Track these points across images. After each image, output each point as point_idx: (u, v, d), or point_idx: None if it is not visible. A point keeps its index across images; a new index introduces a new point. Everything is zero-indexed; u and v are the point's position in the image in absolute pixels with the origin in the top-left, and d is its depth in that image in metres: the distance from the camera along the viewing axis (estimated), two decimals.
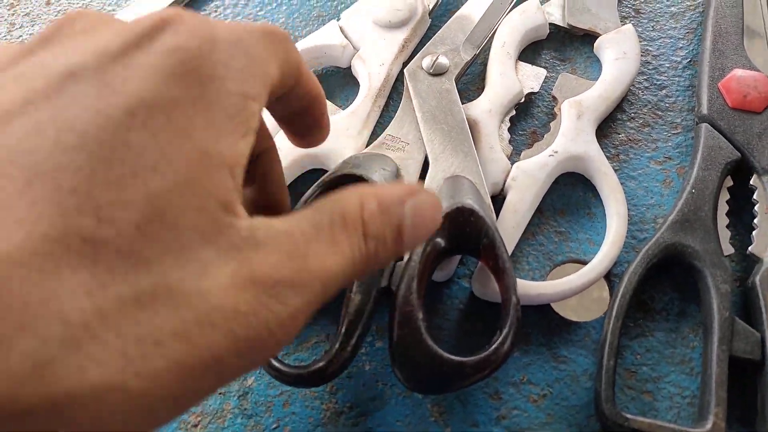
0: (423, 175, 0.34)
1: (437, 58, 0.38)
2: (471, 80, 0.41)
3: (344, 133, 0.37)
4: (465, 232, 0.30)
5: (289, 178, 0.37)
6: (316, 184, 0.33)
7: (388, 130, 0.35)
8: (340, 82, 0.41)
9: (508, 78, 0.39)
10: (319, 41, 0.40)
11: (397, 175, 0.33)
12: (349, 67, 0.41)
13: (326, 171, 0.37)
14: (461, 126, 0.35)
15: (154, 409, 0.16)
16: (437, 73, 0.37)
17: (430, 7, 0.41)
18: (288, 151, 0.36)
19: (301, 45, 0.40)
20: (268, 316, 0.18)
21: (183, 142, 0.17)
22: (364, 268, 0.22)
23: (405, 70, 0.38)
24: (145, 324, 0.15)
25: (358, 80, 0.40)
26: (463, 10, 0.40)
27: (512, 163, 0.36)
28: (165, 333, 0.16)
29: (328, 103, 0.39)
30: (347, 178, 0.33)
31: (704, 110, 0.37)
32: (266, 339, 0.18)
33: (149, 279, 0.16)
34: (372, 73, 0.39)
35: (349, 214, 0.21)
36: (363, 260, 0.21)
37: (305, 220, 0.20)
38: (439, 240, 0.30)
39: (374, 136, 0.37)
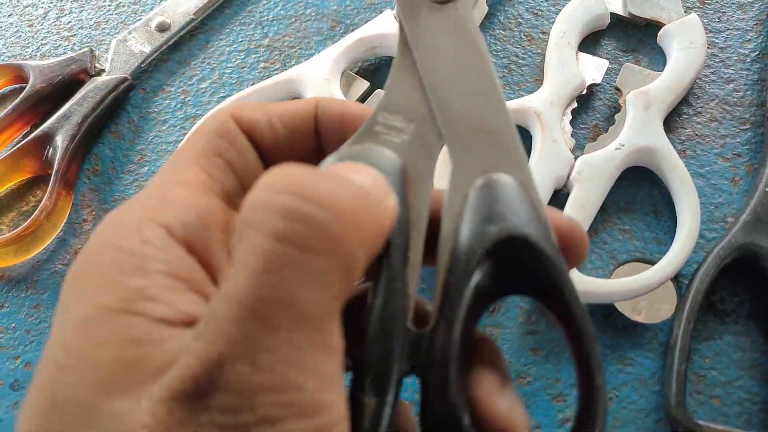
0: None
1: None
2: (530, 71, 0.40)
3: None
4: (518, 273, 0.19)
5: None
6: None
7: (380, 104, 0.21)
8: None
9: (570, 68, 0.38)
10: (374, 31, 0.39)
11: (403, 180, 0.19)
12: None
13: None
14: (491, 87, 0.21)
15: None
16: None
17: None
18: None
19: (356, 35, 0.39)
20: None
21: None
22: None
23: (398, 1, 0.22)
24: None
25: None
26: None
27: (575, 157, 0.35)
28: None
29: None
30: None
31: None
32: None
33: None
34: None
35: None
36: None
37: None
38: (480, 282, 0.19)
39: None
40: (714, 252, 0.32)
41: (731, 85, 0.38)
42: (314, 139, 0.21)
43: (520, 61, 0.40)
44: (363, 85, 0.39)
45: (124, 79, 0.40)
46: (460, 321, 0.18)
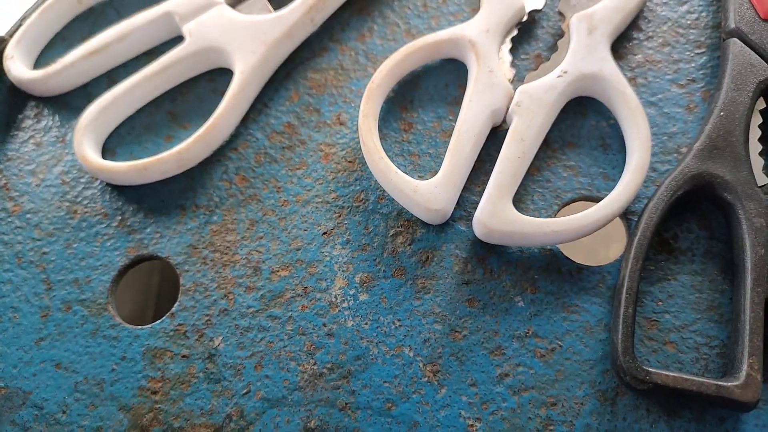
0: None
1: None
2: (467, 0, 0.36)
3: (259, 37, 0.33)
4: None
5: (179, 77, 0.34)
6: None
7: None
8: None
9: None
10: None
11: None
12: None
13: (230, 72, 0.33)
14: None
15: None
16: None
17: None
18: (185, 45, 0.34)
19: None
20: None
21: None
22: None
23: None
24: None
25: None
26: None
27: (515, 89, 0.32)
28: None
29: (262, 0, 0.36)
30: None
31: (731, 24, 0.32)
32: None
33: None
34: None
35: None
36: None
37: None
38: None
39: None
40: (665, 183, 0.29)
41: (685, 7, 0.35)
42: None
43: None
44: None
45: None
46: None
